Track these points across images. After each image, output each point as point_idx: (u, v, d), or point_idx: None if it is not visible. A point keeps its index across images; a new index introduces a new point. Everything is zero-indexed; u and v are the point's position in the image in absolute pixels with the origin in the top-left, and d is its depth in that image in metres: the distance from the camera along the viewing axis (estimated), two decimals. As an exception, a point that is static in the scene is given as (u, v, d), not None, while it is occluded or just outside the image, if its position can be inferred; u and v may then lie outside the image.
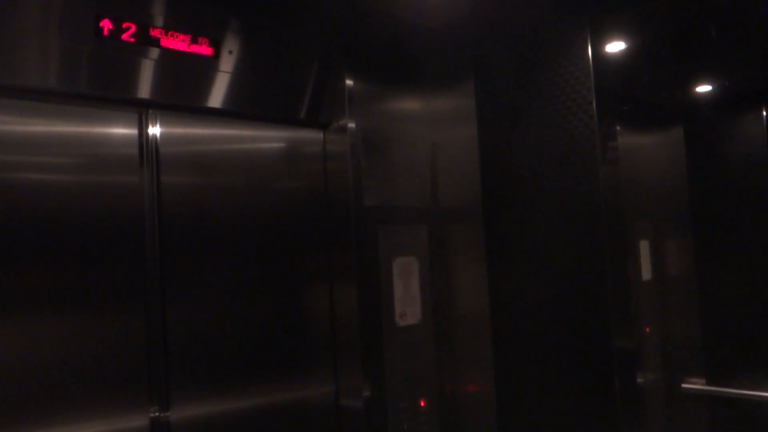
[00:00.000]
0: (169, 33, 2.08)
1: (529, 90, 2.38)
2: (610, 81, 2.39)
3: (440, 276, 2.56)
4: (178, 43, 2.10)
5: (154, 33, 2.05)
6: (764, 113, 3.27)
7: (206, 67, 2.14)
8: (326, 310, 2.41)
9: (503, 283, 2.41)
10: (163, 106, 2.07)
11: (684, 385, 2.96)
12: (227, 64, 2.17)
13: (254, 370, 2.23)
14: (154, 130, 2.05)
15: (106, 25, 1.96)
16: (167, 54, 2.06)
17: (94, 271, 1.91)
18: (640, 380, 2.33)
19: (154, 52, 2.04)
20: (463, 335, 2.50)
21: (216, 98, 2.16)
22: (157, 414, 1.97)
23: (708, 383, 3.02)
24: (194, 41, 2.12)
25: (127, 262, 1.97)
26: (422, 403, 2.41)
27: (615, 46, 2.50)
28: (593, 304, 2.18)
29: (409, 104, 2.60)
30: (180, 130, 2.11)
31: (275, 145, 2.38)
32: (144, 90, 2.02)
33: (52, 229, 1.88)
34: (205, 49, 2.14)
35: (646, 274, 2.66)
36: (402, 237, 2.46)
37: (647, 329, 2.62)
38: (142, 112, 2.05)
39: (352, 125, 2.35)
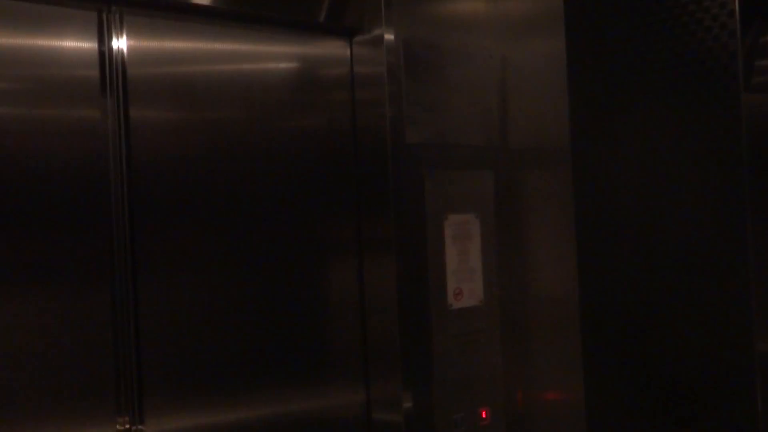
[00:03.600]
0: None
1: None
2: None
3: (510, 242, 2.19)
4: None
5: None
6: None
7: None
8: (353, 292, 2.06)
9: (598, 255, 2.02)
10: (131, 1, 1.74)
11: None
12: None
13: (255, 373, 1.90)
14: (120, 43, 1.69)
15: None
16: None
17: (39, 241, 1.60)
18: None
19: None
20: (541, 324, 2.13)
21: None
22: (127, 427, 1.67)
23: None
24: None
25: (84, 228, 1.65)
26: (483, 415, 2.05)
27: None
28: (726, 288, 1.79)
29: (470, 5, 2.25)
30: (154, 44, 1.75)
31: (283, 65, 2.01)
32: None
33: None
34: None
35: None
36: (458, 187, 2.08)
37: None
38: (103, 10, 1.68)
39: (390, 36, 1.99)
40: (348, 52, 2.10)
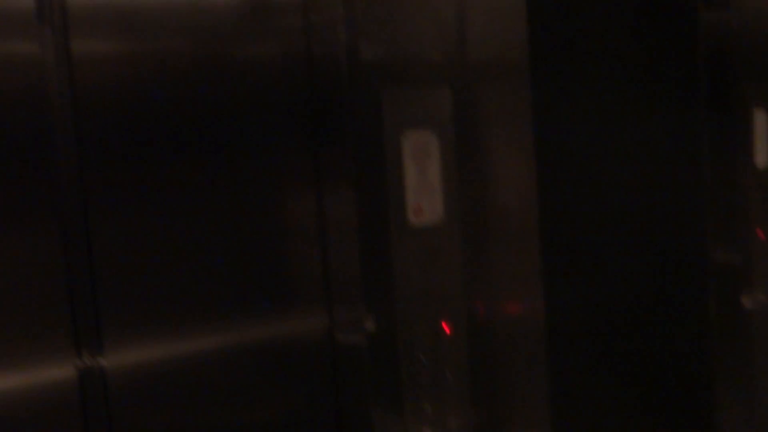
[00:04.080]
0: None
1: None
2: None
3: (469, 158, 2.11)
4: None
5: None
6: None
7: None
8: (312, 218, 1.97)
9: (557, 169, 1.98)
10: None
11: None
12: None
13: (216, 302, 1.83)
14: (56, -34, 1.60)
15: None
16: None
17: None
18: (747, 304, 1.97)
19: None
20: (502, 239, 2.10)
21: None
22: (86, 362, 1.62)
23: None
24: None
25: (30, 165, 1.55)
26: (445, 328, 2.04)
27: None
28: (683, 200, 1.79)
29: None
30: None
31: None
32: None
33: None
34: None
35: (762, 159, 2.19)
36: (415, 103, 2.00)
37: (761, 235, 2.19)
38: None
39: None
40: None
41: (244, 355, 1.90)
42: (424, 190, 2.02)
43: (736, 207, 1.87)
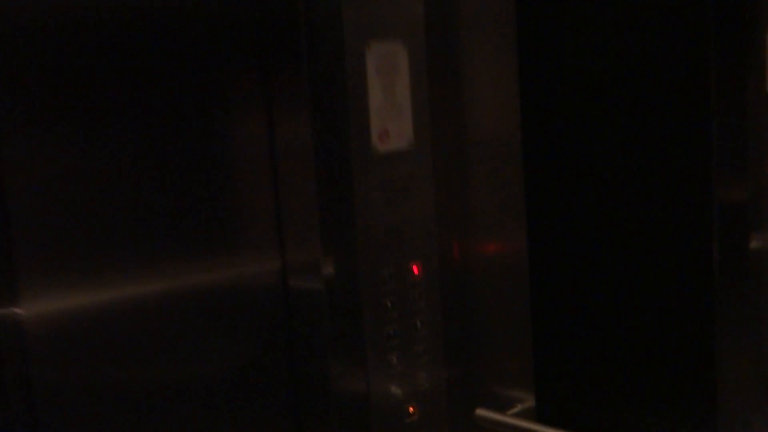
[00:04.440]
0: None
1: None
2: None
3: (444, 75, 1.86)
4: None
5: None
6: None
7: None
8: (262, 147, 1.75)
9: (542, 85, 1.71)
10: None
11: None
12: None
13: (152, 243, 1.62)
14: None
15: None
16: None
17: None
18: (755, 244, 1.78)
19: None
20: (479, 167, 1.86)
21: None
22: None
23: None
24: None
25: None
26: (415, 270, 1.81)
27: None
28: (684, 126, 1.58)
29: None
30: None
31: None
32: None
33: None
34: None
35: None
36: (381, 9, 1.72)
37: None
38: None
39: None
40: None
41: (183, 304, 1.67)
42: (390, 111, 1.77)
43: (745, 137, 1.68)
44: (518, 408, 1.85)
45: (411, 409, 1.85)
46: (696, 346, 1.60)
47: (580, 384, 1.77)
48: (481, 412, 1.83)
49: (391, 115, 1.74)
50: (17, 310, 1.43)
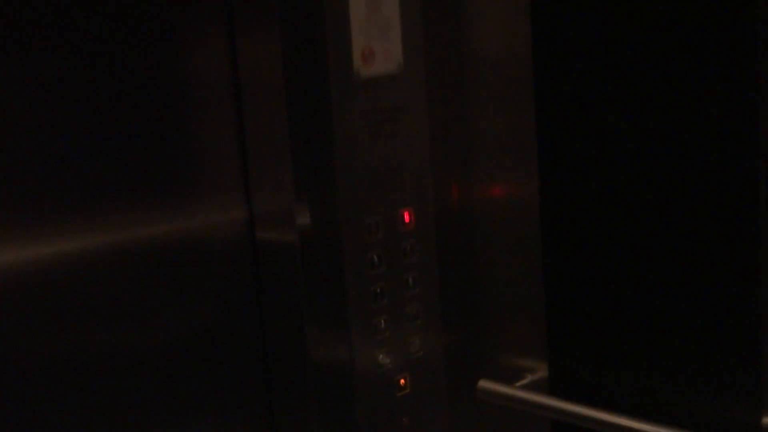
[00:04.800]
0: None
1: None
2: None
3: None
4: None
5: None
6: None
7: None
8: (224, 72, 1.53)
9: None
10: None
11: None
12: None
13: (101, 190, 1.43)
14: None
15: None
16: None
17: None
18: None
19: None
20: (483, 93, 1.66)
21: None
22: None
23: None
24: None
25: None
26: (406, 217, 1.66)
27: None
28: (726, 47, 1.38)
29: None
30: None
31: None
32: None
33: None
34: None
35: None
36: None
37: None
38: None
39: None
40: None
41: (134, 260, 1.48)
42: (376, 27, 1.59)
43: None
44: (528, 379, 1.72)
45: (402, 381, 1.70)
46: (740, 311, 1.43)
47: (601, 352, 1.59)
48: (484, 384, 1.67)
49: (377, 32, 1.57)
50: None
